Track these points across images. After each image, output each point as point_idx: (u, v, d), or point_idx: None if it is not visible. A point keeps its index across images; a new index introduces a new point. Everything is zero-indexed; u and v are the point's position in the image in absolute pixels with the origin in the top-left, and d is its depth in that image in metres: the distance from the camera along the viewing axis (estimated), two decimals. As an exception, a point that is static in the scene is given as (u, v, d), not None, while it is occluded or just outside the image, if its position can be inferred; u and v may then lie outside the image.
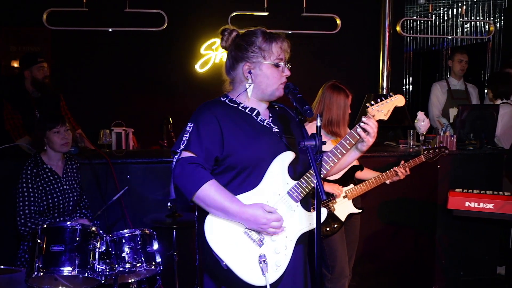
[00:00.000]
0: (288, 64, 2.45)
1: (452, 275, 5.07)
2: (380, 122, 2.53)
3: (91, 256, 3.28)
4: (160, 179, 4.42)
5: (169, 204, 3.97)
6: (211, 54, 7.09)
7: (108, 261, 3.37)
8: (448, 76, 6.33)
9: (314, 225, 2.40)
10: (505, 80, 5.63)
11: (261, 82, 2.41)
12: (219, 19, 6.36)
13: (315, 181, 2.33)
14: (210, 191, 2.24)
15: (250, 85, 2.42)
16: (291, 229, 2.38)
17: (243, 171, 2.34)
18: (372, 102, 2.56)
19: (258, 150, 2.34)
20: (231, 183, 2.35)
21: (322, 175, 2.41)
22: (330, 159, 2.46)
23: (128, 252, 3.39)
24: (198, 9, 6.96)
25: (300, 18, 6.05)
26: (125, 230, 3.48)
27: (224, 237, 2.29)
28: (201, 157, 2.30)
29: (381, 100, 2.58)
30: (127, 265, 3.36)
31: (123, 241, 3.41)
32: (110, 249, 3.39)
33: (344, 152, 2.46)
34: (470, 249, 5.08)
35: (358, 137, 2.45)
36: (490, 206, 3.93)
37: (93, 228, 3.37)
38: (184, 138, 2.34)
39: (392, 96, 2.60)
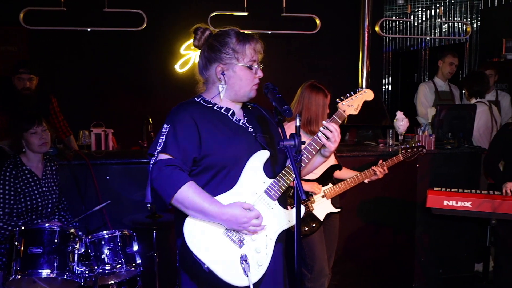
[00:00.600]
0: (261, 65, 2.44)
1: (431, 273, 5.12)
2: (351, 117, 2.56)
3: (70, 258, 3.25)
4: (140, 180, 4.39)
5: (148, 205, 3.95)
6: (191, 54, 7.08)
7: (87, 262, 3.34)
8: (434, 77, 6.35)
9: (293, 222, 2.40)
10: (480, 79, 5.70)
11: (234, 84, 2.39)
12: (198, 19, 6.28)
13: (292, 179, 2.37)
14: (189, 193, 2.21)
15: (223, 87, 2.40)
16: (270, 228, 2.38)
17: (221, 171, 2.32)
18: (342, 97, 2.58)
19: (235, 150, 2.33)
20: (209, 183, 2.33)
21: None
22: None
23: (108, 253, 3.36)
24: (178, 9, 6.94)
25: (280, 18, 6.06)
26: (105, 232, 3.45)
27: (204, 240, 2.26)
28: (179, 158, 2.27)
29: (351, 95, 2.60)
30: (107, 267, 3.34)
31: (103, 242, 3.39)
32: (89, 251, 3.37)
33: (310, 157, 2.45)
34: (449, 247, 5.13)
35: (321, 143, 2.42)
36: (468, 204, 3.97)
37: (72, 230, 3.34)
38: (160, 140, 2.31)
39: (361, 90, 2.62)
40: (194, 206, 2.22)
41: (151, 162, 2.30)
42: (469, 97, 5.73)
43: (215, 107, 2.42)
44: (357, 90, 2.63)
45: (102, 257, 3.35)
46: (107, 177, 4.37)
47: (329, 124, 2.39)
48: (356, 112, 2.60)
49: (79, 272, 3.26)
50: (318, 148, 2.44)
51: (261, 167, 2.39)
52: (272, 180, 2.40)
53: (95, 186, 4.23)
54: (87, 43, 6.68)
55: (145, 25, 5.70)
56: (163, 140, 2.30)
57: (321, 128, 2.40)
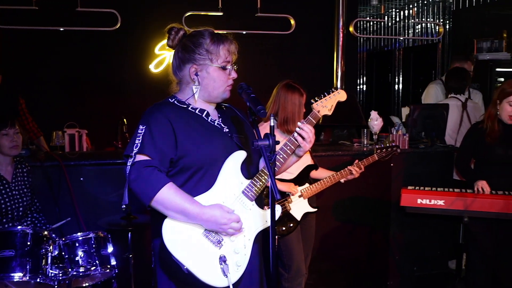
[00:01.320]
0: (235, 66, 2.43)
1: (406, 271, 5.17)
2: (326, 117, 2.59)
3: (43, 260, 3.21)
4: (114, 181, 4.35)
5: (123, 206, 3.91)
6: (166, 54, 7.04)
7: (61, 265, 3.30)
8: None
9: (268, 223, 2.42)
10: (457, 75, 5.74)
11: (208, 85, 2.38)
12: (173, 19, 6.25)
13: (269, 180, 2.34)
14: (169, 194, 2.20)
15: (197, 88, 2.39)
16: (248, 228, 2.38)
17: (198, 171, 2.32)
18: (316, 98, 2.61)
19: (212, 150, 2.33)
20: (186, 184, 2.32)
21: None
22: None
23: (82, 255, 3.33)
24: (152, 9, 6.90)
25: (255, 18, 6.07)
26: (79, 233, 3.42)
27: (183, 241, 2.26)
28: (156, 159, 2.25)
29: (324, 96, 2.63)
30: (81, 269, 3.31)
31: (77, 244, 3.36)
32: (63, 253, 3.33)
33: (286, 157, 2.46)
34: (423, 245, 5.19)
35: (297, 143, 2.43)
36: (441, 202, 4.02)
37: (45, 232, 3.30)
38: (137, 141, 2.28)
39: (334, 91, 2.66)
40: (175, 206, 2.22)
41: (128, 164, 2.27)
42: (448, 93, 5.78)
43: (189, 108, 2.41)
44: (330, 90, 2.65)
45: (76, 259, 3.32)
46: (81, 179, 4.32)
47: (304, 125, 2.40)
48: (330, 113, 2.64)
49: (52, 275, 3.22)
50: (294, 148, 2.46)
51: (239, 167, 2.39)
52: (249, 180, 2.40)
53: (69, 188, 4.18)
54: (60, 42, 6.59)
55: (119, 25, 5.65)
56: (140, 141, 2.27)
57: (297, 129, 2.41)
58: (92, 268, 3.34)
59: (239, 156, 2.39)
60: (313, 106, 2.59)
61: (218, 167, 2.34)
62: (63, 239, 3.36)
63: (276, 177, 2.62)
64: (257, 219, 2.41)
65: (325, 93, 2.64)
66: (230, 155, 2.37)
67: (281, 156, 2.44)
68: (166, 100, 2.46)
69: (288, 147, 2.46)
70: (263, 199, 2.56)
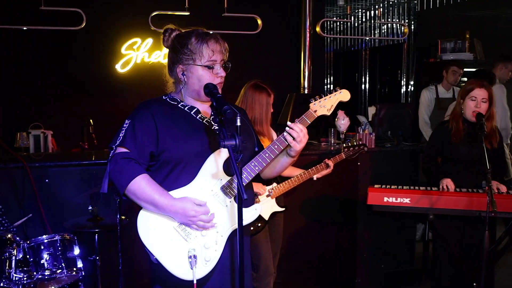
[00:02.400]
0: (228, 64, 2.49)
1: (373, 268, 5.24)
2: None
3: (7, 264, 3.15)
4: (81, 182, 4.30)
5: (90, 207, 3.88)
6: (132, 54, 6.97)
7: (25, 269, 3.25)
8: (439, 84, 6.46)
9: (246, 221, 2.44)
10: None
11: (194, 84, 2.45)
12: (139, 18, 6.30)
13: (251, 177, 2.44)
14: (141, 184, 2.29)
15: (183, 87, 2.48)
16: (222, 225, 2.40)
17: (177, 166, 2.38)
18: (317, 97, 2.57)
19: (192, 146, 2.39)
20: (167, 178, 2.40)
21: (251, 177, 2.46)
22: (259, 162, 2.46)
23: (47, 258, 3.29)
24: (118, 8, 6.82)
25: (222, 18, 6.06)
26: (44, 236, 3.38)
27: (154, 232, 2.33)
28: (135, 152, 2.36)
29: (325, 96, 2.60)
30: (47, 272, 3.27)
31: (42, 247, 3.31)
32: (28, 256, 3.28)
33: (273, 156, 2.47)
34: (390, 243, 5.26)
35: (286, 143, 2.45)
36: (407, 200, 4.07)
37: (9, 235, 3.24)
38: (120, 134, 2.40)
39: (337, 91, 2.62)
40: (145, 197, 2.30)
41: (110, 155, 2.40)
42: None
43: (179, 105, 2.50)
44: (333, 90, 2.62)
45: (42, 262, 3.27)
46: (47, 180, 4.25)
47: (295, 125, 2.42)
48: (328, 113, 2.59)
49: (16, 279, 3.16)
50: (281, 147, 2.47)
51: (221, 164, 2.42)
52: (230, 177, 2.43)
53: (34, 190, 4.11)
54: (24, 42, 6.46)
55: (84, 24, 5.58)
56: (123, 134, 2.40)
57: (287, 128, 2.43)
58: (58, 271, 3.30)
59: (222, 153, 2.42)
60: (310, 105, 2.56)
61: (199, 163, 2.39)
62: (28, 242, 3.31)
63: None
64: (233, 216, 2.43)
65: (327, 93, 2.61)
66: (214, 152, 2.41)
67: (266, 155, 2.46)
68: (160, 97, 2.56)
69: (276, 146, 2.46)
70: (248, 197, 2.55)
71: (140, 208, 2.39)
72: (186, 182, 2.38)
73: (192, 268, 2.29)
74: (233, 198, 2.43)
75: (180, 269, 2.31)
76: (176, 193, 2.35)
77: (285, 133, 2.43)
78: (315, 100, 2.57)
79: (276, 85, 4.04)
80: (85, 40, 6.58)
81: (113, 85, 6.92)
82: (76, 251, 3.44)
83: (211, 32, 2.51)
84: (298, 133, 2.41)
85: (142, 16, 5.84)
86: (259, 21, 6.28)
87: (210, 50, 2.42)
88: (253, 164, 2.46)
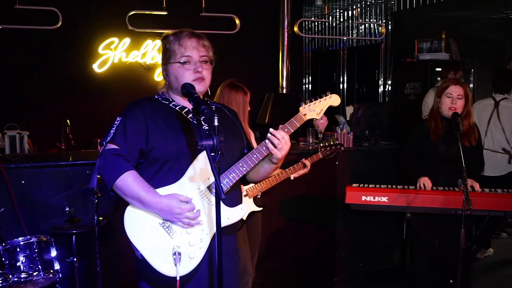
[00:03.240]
0: (212, 60, 2.57)
1: (352, 267, 5.27)
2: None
3: (-18, 267, 3.11)
4: (58, 183, 4.25)
5: (67, 208, 3.84)
6: (110, 54, 6.92)
7: (1, 271, 3.21)
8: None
9: (232, 220, 2.47)
10: (506, 76, 5.92)
11: (173, 82, 2.50)
12: (117, 18, 6.26)
13: (238, 177, 2.46)
14: (128, 181, 2.32)
15: (167, 87, 2.55)
16: (208, 223, 2.41)
17: (165, 164, 2.41)
18: (307, 101, 2.57)
19: (179, 144, 2.41)
20: (155, 176, 2.42)
21: (238, 177, 2.47)
22: (247, 162, 2.47)
23: (24, 261, 3.25)
24: (95, 7, 6.77)
25: (199, 18, 6.05)
26: (20, 238, 3.34)
27: (140, 228, 2.36)
28: (125, 149, 2.39)
29: (315, 100, 2.60)
30: (23, 275, 3.23)
31: (18, 249, 3.27)
32: (3, 259, 3.24)
33: (260, 157, 2.47)
34: (368, 241, 5.30)
35: (266, 152, 2.44)
36: (384, 199, 4.10)
37: (-16, 238, 3.20)
38: (111, 131, 2.43)
39: (327, 95, 2.62)
40: (132, 193, 2.33)
41: (100, 151, 2.43)
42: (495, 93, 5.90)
43: (170, 105, 2.53)
44: (324, 95, 2.62)
45: (18, 265, 3.23)
46: (23, 182, 4.19)
47: (277, 132, 2.41)
48: (318, 117, 2.59)
49: (-8, 281, 3.12)
50: (260, 157, 2.46)
51: (209, 163, 2.38)
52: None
53: (9, 191, 4.05)
54: (-2, 41, 6.39)
55: (60, 23, 5.53)
56: (113, 131, 2.43)
57: (268, 135, 2.42)
58: (35, 274, 3.26)
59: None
60: (300, 109, 2.55)
61: (188, 161, 2.41)
62: (3, 244, 3.27)
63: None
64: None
65: (317, 97, 2.61)
66: (203, 151, 2.39)
67: (254, 156, 2.46)
68: (152, 96, 2.59)
69: (264, 148, 2.44)
70: (235, 196, 2.57)
71: (126, 205, 2.41)
72: (174, 180, 2.40)
73: (176, 265, 2.31)
74: None
75: (164, 266, 2.32)
76: (163, 190, 2.37)
77: (266, 141, 2.42)
78: (305, 104, 2.57)
79: (254, 85, 4.05)
80: (62, 39, 6.52)
81: (90, 85, 6.87)
82: (53, 253, 3.41)
83: (192, 30, 2.54)
84: (279, 141, 2.40)
85: (120, 16, 5.81)
86: (237, 21, 6.28)
87: (182, 47, 2.46)
88: (240, 164, 2.47)
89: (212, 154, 2.08)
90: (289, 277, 5.02)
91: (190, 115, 2.51)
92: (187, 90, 2.36)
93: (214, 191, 2.41)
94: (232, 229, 2.56)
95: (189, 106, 2.50)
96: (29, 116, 6.30)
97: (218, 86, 3.89)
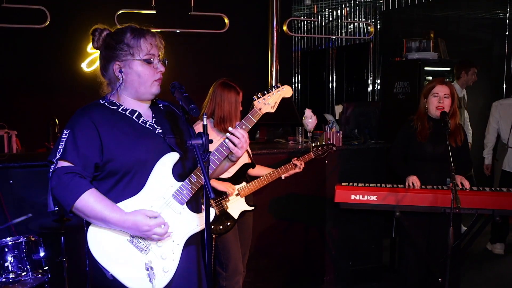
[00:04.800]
0: (165, 60, 2.38)
1: (342, 266, 5.28)
2: (268, 115, 2.54)
3: (-30, 267, 3.08)
4: (46, 183, 4.20)
5: (56, 208, 3.81)
6: (98, 53, 6.89)
7: (-11, 272, 3.19)
8: (454, 83, 6.70)
9: (202, 226, 2.37)
10: None
11: (133, 81, 2.33)
12: (105, 17, 6.18)
13: (202, 181, 2.32)
14: (89, 201, 2.15)
15: (120, 84, 2.33)
16: (177, 233, 2.33)
17: (125, 176, 2.26)
18: (259, 95, 2.52)
19: (139, 154, 2.27)
20: (114, 188, 2.27)
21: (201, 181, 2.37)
22: (209, 164, 2.36)
23: (12, 261, 3.23)
24: (83, 6, 6.74)
25: (188, 17, 6.04)
26: (8, 238, 3.32)
27: (108, 247, 2.22)
28: (79, 165, 2.20)
29: (268, 92, 2.55)
30: (11, 275, 3.21)
31: (6, 249, 3.25)
32: (-9, 259, 3.21)
33: (218, 163, 2.39)
34: (358, 240, 5.32)
35: (227, 151, 2.36)
36: (373, 198, 4.12)
37: (-28, 238, 3.17)
38: (60, 147, 2.22)
39: (279, 87, 2.58)
40: (95, 214, 2.16)
41: (51, 170, 2.22)
42: None
43: (119, 110, 2.35)
44: (274, 87, 2.57)
45: (6, 265, 3.21)
46: (11, 181, 4.17)
47: (236, 130, 2.33)
48: (273, 110, 2.55)
49: (-20, 282, 3.10)
50: (222, 158, 2.39)
51: (170, 170, 2.33)
52: (181, 183, 2.34)
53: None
54: (-15, 40, 6.35)
55: (48, 22, 5.49)
56: (63, 146, 2.21)
57: (228, 134, 2.34)
58: (23, 274, 3.24)
59: (170, 158, 2.33)
60: (254, 103, 2.50)
61: (148, 170, 2.29)
62: (-9, 244, 3.25)
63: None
64: (188, 223, 2.35)
65: (269, 89, 2.56)
66: (162, 158, 2.31)
67: (215, 157, 2.37)
68: (97, 101, 2.39)
69: (225, 148, 2.37)
70: (199, 201, 2.50)
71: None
72: (136, 191, 2.27)
73: (151, 281, 2.21)
74: (185, 204, 2.35)
75: (138, 283, 2.22)
76: (126, 204, 2.24)
77: (226, 140, 2.34)
78: (258, 97, 2.52)
79: (243, 84, 4.04)
80: (50, 38, 6.48)
81: (78, 84, 6.83)
82: (42, 253, 3.39)
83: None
84: (239, 139, 2.33)
85: (108, 15, 5.77)
86: (226, 20, 6.27)
87: (148, 44, 2.31)
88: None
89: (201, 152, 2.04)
90: (279, 276, 5.03)
91: (142, 119, 2.36)
92: (176, 89, 2.26)
93: (180, 198, 2.32)
94: (196, 239, 2.45)
95: (139, 109, 2.38)
96: (17, 116, 6.25)
97: (208, 85, 3.89)
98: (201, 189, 2.41)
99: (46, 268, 3.37)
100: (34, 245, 3.37)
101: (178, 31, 6.11)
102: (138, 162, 2.26)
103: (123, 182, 2.27)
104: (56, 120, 5.81)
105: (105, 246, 2.22)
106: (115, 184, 2.27)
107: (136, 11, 5.83)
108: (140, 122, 2.35)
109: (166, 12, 6.34)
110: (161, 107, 2.51)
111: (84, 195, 2.15)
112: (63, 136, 2.24)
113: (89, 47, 6.87)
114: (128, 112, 2.35)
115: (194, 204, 2.41)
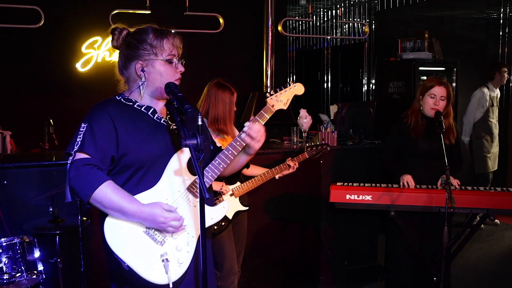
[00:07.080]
0: (182, 60, 2.45)
1: (337, 265, 5.29)
2: (279, 112, 2.57)
3: (-36, 268, 3.07)
4: (41, 183, 4.22)
5: (50, 209, 3.81)
6: (93, 53, 6.88)
7: (-17, 273, 3.18)
8: (488, 83, 7.11)
9: (216, 220, 2.44)
10: None
11: (155, 80, 2.39)
12: (100, 17, 6.21)
13: (216, 175, 2.42)
14: (107, 192, 2.20)
15: (143, 83, 2.39)
16: (192, 226, 2.38)
17: (139, 169, 2.32)
18: (272, 92, 2.58)
19: (153, 149, 2.33)
20: (128, 182, 2.32)
21: (216, 176, 2.45)
22: (223, 159, 2.46)
23: (6, 262, 3.22)
24: (78, 6, 6.72)
25: (183, 17, 6.03)
26: (3, 239, 3.30)
27: (124, 238, 2.26)
28: (96, 157, 2.26)
29: (280, 90, 2.61)
30: (5, 276, 3.20)
31: (0, 250, 3.25)
32: (-15, 260, 3.20)
33: (236, 153, 2.46)
34: (353, 240, 5.32)
35: (244, 144, 2.44)
36: (368, 197, 4.13)
37: (-34, 239, 3.16)
38: (78, 139, 2.28)
39: (291, 85, 2.64)
40: (112, 205, 2.21)
41: (69, 162, 2.27)
42: None
43: (135, 106, 2.41)
44: (287, 84, 2.63)
45: (0, 266, 3.19)
46: (5, 182, 4.16)
47: (253, 124, 2.41)
48: (285, 107, 2.60)
49: (-26, 283, 3.09)
50: (239, 149, 2.46)
51: (184, 164, 2.39)
52: (195, 177, 2.39)
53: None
54: (-20, 40, 6.32)
55: (42, 22, 5.48)
56: (81, 139, 2.27)
57: (245, 128, 2.41)
58: (17, 275, 3.23)
59: (185, 153, 2.39)
60: (267, 100, 2.55)
61: (162, 164, 2.35)
62: (-14, 245, 3.23)
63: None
64: None
65: (281, 87, 2.62)
66: (176, 153, 2.37)
67: (229, 152, 2.45)
68: (113, 97, 2.45)
69: (238, 143, 2.45)
70: (213, 195, 2.55)
71: (100, 211, 2.31)
72: (149, 185, 2.32)
73: (167, 272, 2.25)
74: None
75: (154, 274, 2.25)
76: (141, 196, 2.29)
77: (243, 134, 2.42)
78: (271, 94, 2.58)
79: (238, 84, 4.05)
80: (44, 38, 6.46)
81: (73, 84, 6.82)
82: (37, 253, 3.38)
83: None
84: (256, 133, 2.41)
85: (103, 15, 5.76)
86: (221, 20, 6.27)
87: (170, 44, 2.39)
88: (217, 162, 2.45)
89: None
90: (274, 276, 5.03)
91: (157, 115, 2.43)
92: (171, 89, 2.29)
93: (194, 191, 2.39)
94: (209, 233, 2.53)
95: (155, 106, 2.45)
96: (11, 116, 6.23)
97: (202, 85, 3.89)
98: (215, 183, 2.46)
99: (41, 269, 3.36)
100: (29, 246, 3.37)
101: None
102: (151, 156, 2.32)
103: (137, 176, 2.33)
104: (51, 120, 5.79)
105: (121, 237, 2.26)
106: (129, 178, 2.33)
107: (130, 11, 5.82)
108: (155, 118, 2.42)
109: (161, 12, 6.33)
110: (176, 105, 2.55)
111: (102, 186, 2.20)
112: (81, 130, 2.30)
113: (84, 47, 6.85)
114: (143, 108, 2.42)
115: (209, 198, 2.46)
